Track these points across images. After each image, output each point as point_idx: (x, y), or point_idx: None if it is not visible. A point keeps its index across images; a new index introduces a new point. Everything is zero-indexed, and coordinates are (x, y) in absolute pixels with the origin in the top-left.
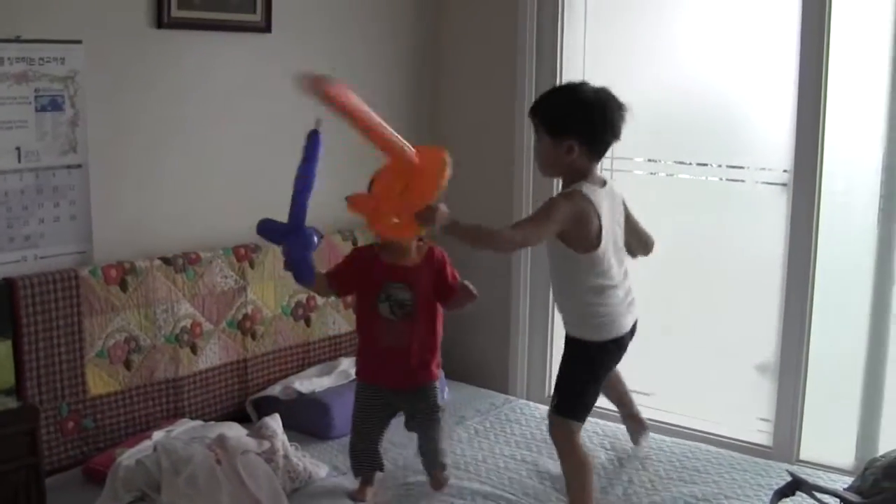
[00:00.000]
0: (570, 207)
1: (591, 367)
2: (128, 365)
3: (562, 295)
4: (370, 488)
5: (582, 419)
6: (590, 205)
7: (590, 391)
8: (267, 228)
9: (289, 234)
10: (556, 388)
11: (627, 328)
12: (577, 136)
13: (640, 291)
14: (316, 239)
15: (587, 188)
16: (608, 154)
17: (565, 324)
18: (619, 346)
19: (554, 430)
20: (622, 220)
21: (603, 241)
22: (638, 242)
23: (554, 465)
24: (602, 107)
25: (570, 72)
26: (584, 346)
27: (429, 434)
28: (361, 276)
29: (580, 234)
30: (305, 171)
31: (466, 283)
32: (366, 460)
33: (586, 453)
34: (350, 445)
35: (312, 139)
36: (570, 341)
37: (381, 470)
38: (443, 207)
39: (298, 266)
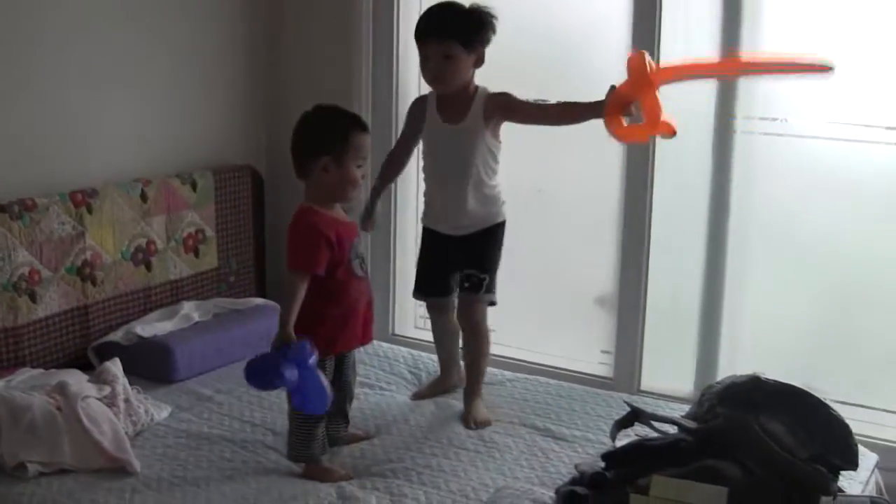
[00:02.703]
0: None
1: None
2: None
3: (477, 187)
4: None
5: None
6: None
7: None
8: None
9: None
10: (483, 271)
11: None
12: (486, 45)
13: None
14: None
15: None
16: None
17: (476, 218)
18: None
19: (477, 307)
20: None
21: None
22: None
23: (394, 401)
24: (490, 12)
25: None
26: (502, 226)
27: (353, 383)
28: (335, 240)
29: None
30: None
31: None
32: (324, 437)
33: None
34: (307, 432)
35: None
36: (489, 230)
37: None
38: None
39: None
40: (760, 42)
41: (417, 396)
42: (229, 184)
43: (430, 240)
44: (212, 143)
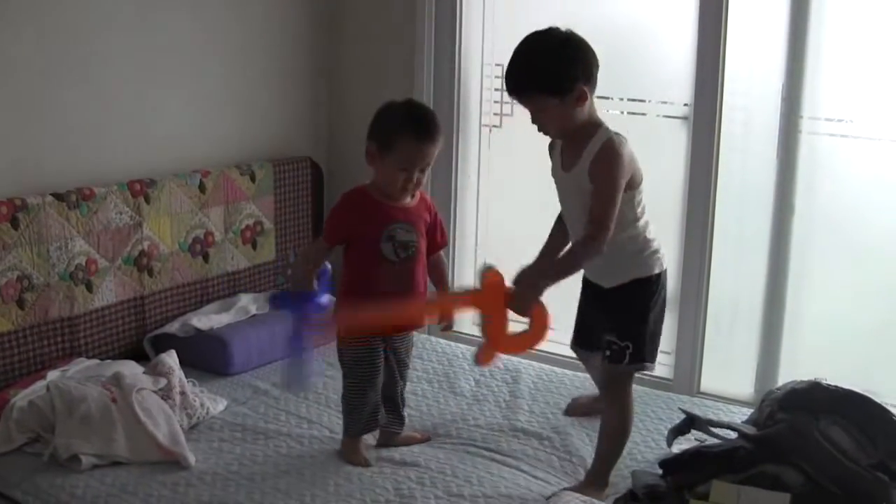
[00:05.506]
0: (625, 157)
1: (660, 301)
2: (21, 304)
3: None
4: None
5: (654, 359)
6: (625, 141)
7: (661, 328)
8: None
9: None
10: (624, 338)
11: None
12: (584, 80)
13: (542, 225)
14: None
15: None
16: (504, 88)
17: (608, 271)
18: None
19: (620, 380)
20: None
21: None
22: None
23: (454, 399)
24: (582, 40)
25: (471, 5)
26: (647, 283)
27: (402, 375)
28: (360, 220)
29: (631, 174)
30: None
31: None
32: (370, 417)
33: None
34: (349, 404)
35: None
36: (629, 286)
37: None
38: (535, 286)
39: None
40: (825, 37)
41: (571, 412)
42: (288, 175)
43: (584, 284)
44: (271, 134)
